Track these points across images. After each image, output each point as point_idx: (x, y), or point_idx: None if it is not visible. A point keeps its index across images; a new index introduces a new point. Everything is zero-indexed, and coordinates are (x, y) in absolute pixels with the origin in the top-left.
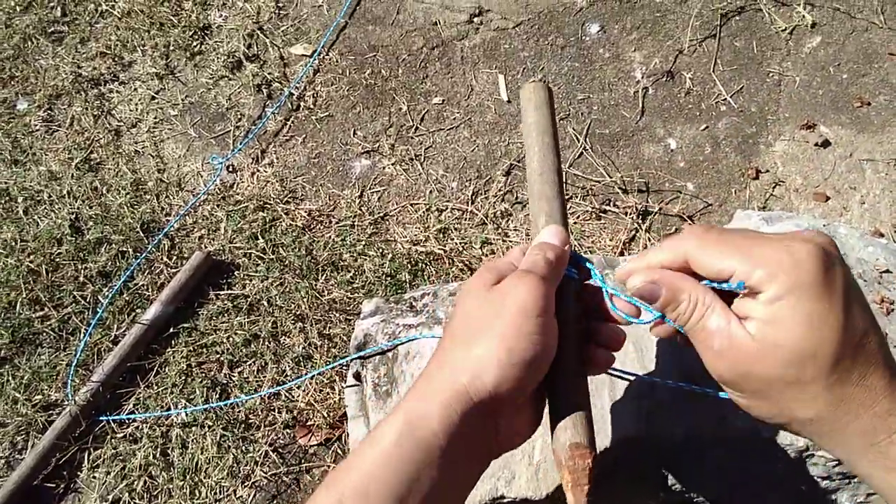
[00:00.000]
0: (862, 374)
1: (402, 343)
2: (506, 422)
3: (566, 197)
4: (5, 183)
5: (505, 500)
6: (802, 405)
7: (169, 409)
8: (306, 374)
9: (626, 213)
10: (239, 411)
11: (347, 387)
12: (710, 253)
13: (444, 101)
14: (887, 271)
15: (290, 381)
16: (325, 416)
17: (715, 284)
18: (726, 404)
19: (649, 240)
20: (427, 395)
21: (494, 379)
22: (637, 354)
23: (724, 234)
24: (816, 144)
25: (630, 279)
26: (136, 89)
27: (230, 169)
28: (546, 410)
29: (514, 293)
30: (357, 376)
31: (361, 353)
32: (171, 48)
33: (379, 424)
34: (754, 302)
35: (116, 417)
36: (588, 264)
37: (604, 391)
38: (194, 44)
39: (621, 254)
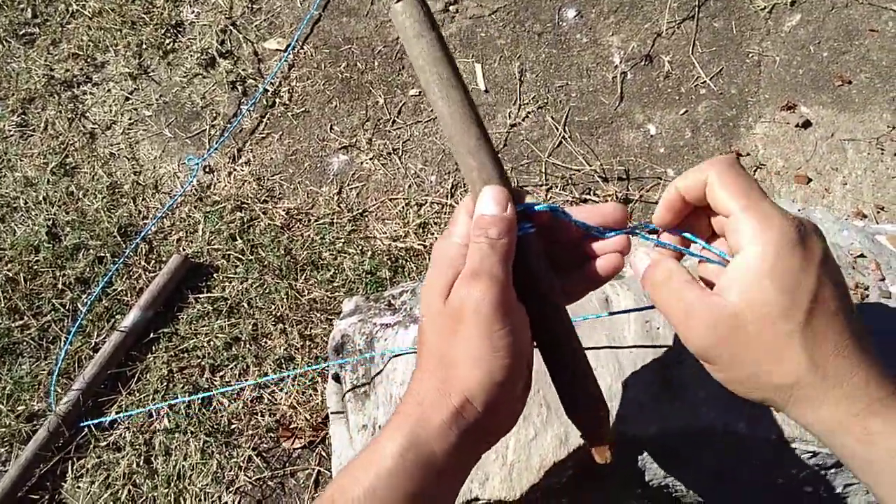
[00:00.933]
0: (838, 345)
1: (381, 354)
2: (495, 421)
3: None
4: None
5: (479, 502)
6: (781, 369)
7: (151, 416)
8: (287, 376)
9: (606, 202)
10: (222, 416)
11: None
12: (721, 186)
13: (420, 92)
14: (861, 256)
15: (269, 384)
16: (308, 418)
17: (704, 254)
18: (699, 400)
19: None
20: (424, 416)
21: (484, 401)
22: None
23: (741, 174)
24: (797, 125)
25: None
26: (109, 90)
27: (207, 169)
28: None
29: (468, 309)
30: (336, 378)
31: (334, 363)
32: (144, 47)
33: (377, 441)
34: (736, 262)
35: (97, 421)
36: (541, 206)
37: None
38: (167, 41)
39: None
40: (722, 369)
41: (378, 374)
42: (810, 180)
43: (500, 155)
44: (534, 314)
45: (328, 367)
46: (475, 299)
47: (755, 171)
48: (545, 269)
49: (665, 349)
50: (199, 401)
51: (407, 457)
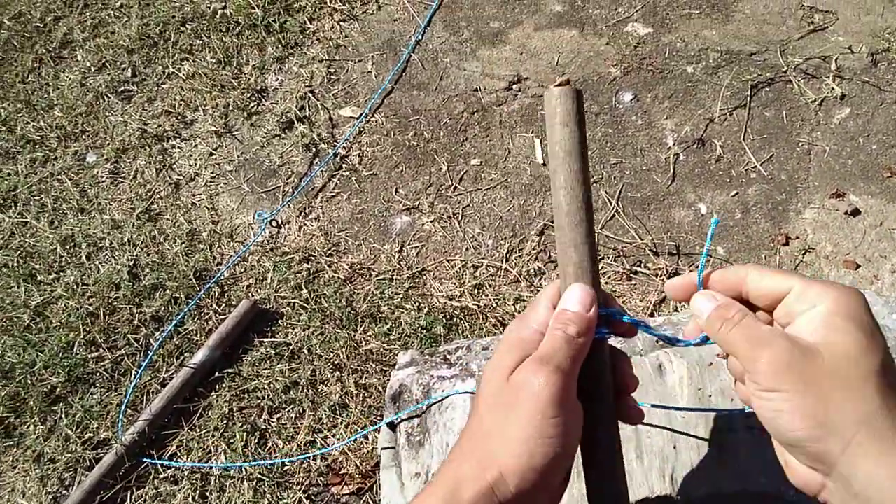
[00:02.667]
0: None
1: (441, 400)
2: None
3: (597, 241)
4: (71, 230)
5: None
6: (852, 405)
7: (210, 452)
8: (341, 423)
9: (656, 275)
10: (275, 457)
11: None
12: (770, 276)
13: (482, 162)
14: None
15: (323, 429)
16: (358, 465)
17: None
18: (750, 465)
19: (679, 302)
20: (459, 487)
21: (517, 483)
22: (665, 413)
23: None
24: (846, 213)
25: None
26: (196, 145)
27: (275, 224)
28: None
29: (528, 391)
30: (391, 426)
31: (396, 417)
32: (231, 108)
33: (418, 498)
34: (811, 314)
35: (157, 462)
36: (626, 318)
37: (629, 447)
38: (251, 104)
39: (651, 315)
40: (791, 398)
41: (434, 423)
42: (859, 266)
43: (554, 225)
44: (587, 413)
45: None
46: (538, 383)
47: (804, 254)
48: (608, 373)
49: (716, 414)
50: (255, 440)
51: None
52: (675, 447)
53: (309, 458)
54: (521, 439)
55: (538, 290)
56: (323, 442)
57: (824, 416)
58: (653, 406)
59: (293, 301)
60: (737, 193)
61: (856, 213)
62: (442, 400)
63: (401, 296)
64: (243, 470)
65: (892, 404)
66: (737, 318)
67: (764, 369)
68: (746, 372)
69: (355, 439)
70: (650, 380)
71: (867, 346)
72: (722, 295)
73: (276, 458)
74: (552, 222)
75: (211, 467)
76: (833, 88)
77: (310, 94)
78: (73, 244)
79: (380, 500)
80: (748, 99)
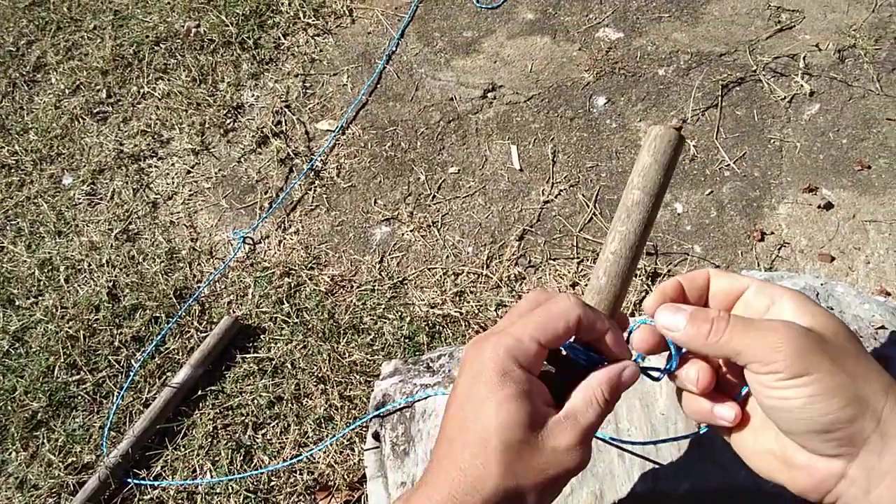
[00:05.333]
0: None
1: (419, 400)
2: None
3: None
4: (49, 253)
5: None
6: (875, 374)
7: (195, 471)
8: (328, 436)
9: (635, 276)
10: (262, 474)
11: (367, 449)
12: (725, 276)
13: (459, 170)
14: (882, 328)
15: (308, 442)
16: (346, 477)
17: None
18: (730, 460)
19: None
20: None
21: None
22: (644, 411)
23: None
24: (819, 207)
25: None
26: (173, 164)
27: (249, 241)
28: None
29: (566, 460)
30: (376, 436)
31: (378, 412)
32: (207, 126)
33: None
34: (779, 307)
35: (142, 482)
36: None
37: (611, 448)
38: (227, 121)
39: (632, 314)
40: (821, 378)
41: (419, 431)
42: (833, 259)
43: (533, 229)
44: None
45: (367, 422)
46: (565, 456)
47: (780, 248)
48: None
49: None
50: (241, 457)
51: None
52: (655, 445)
53: (297, 462)
54: (535, 488)
55: (519, 295)
56: (309, 456)
57: (857, 391)
58: (608, 441)
59: (275, 315)
60: (711, 192)
61: (829, 206)
62: (420, 400)
63: (383, 306)
64: (230, 487)
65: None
66: (724, 319)
67: (787, 357)
68: (755, 370)
69: (336, 439)
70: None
71: (846, 328)
72: (685, 305)
73: (263, 471)
74: (530, 227)
75: (198, 484)
76: (802, 86)
77: (286, 109)
78: (51, 267)
79: None
80: (719, 99)
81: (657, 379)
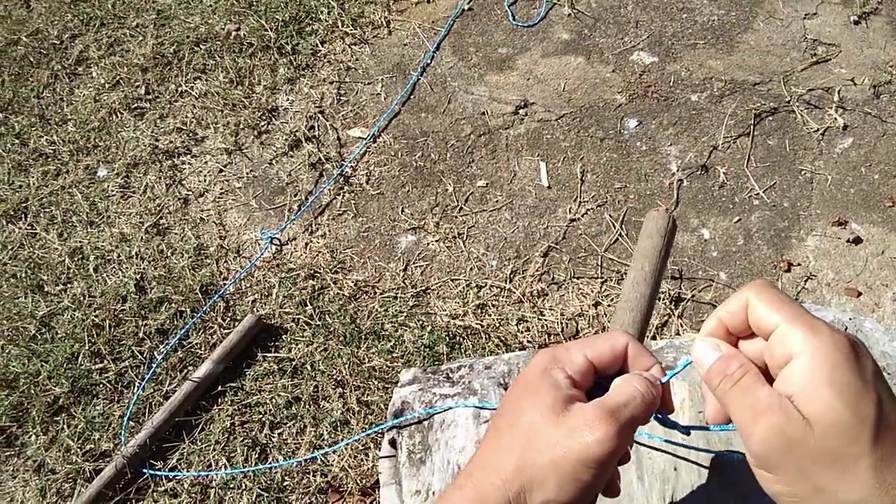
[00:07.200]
0: None
1: (440, 412)
2: None
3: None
4: (80, 242)
5: None
6: (846, 487)
7: (210, 465)
8: (342, 439)
9: (659, 299)
10: (275, 473)
11: (382, 457)
12: (763, 303)
13: (488, 184)
14: None
15: (324, 445)
16: (358, 482)
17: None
18: (751, 488)
19: (681, 325)
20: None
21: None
22: (664, 430)
23: (780, 293)
24: (848, 241)
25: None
26: (206, 162)
27: (276, 242)
28: None
29: (582, 440)
30: (392, 443)
31: (398, 420)
32: (241, 126)
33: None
34: (790, 370)
35: (158, 473)
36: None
37: (630, 469)
38: (262, 123)
39: (654, 338)
40: (784, 481)
41: (436, 440)
42: (860, 294)
43: (558, 246)
44: None
45: (385, 429)
46: (595, 438)
47: (806, 281)
48: None
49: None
50: (256, 455)
51: None
52: (675, 469)
53: (310, 461)
54: (557, 476)
55: (541, 311)
56: (323, 458)
57: (820, 499)
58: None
59: (297, 317)
60: (739, 220)
61: (857, 241)
62: (443, 412)
63: (404, 314)
64: (243, 483)
65: (888, 479)
66: (736, 376)
67: (757, 446)
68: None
69: (351, 442)
70: None
71: (856, 422)
72: (726, 344)
73: (276, 469)
74: (556, 244)
75: (212, 476)
76: (836, 119)
77: (319, 115)
78: (81, 256)
79: None
80: (752, 127)
81: (672, 427)
